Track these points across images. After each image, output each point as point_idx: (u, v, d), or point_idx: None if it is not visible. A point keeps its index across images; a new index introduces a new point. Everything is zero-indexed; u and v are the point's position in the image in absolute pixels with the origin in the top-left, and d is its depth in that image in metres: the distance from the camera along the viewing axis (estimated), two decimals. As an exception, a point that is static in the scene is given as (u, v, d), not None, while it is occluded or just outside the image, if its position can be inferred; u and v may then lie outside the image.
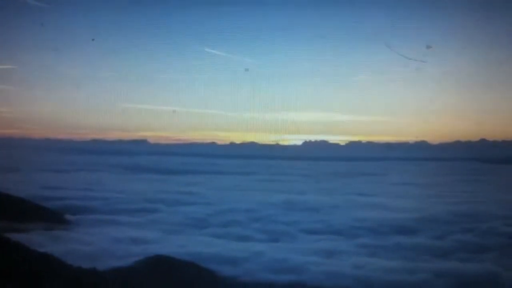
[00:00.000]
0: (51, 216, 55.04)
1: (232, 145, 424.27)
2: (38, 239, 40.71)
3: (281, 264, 38.73)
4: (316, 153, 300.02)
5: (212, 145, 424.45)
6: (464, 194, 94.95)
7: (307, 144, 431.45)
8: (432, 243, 51.07)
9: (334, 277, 34.73)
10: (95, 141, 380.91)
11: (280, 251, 44.77)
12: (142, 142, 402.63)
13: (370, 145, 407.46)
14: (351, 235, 53.65)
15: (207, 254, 41.70)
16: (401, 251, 45.66)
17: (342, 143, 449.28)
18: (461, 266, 40.40)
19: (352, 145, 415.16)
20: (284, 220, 63.45)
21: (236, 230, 54.65)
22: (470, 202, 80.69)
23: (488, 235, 54.52)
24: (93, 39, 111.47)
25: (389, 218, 64.98)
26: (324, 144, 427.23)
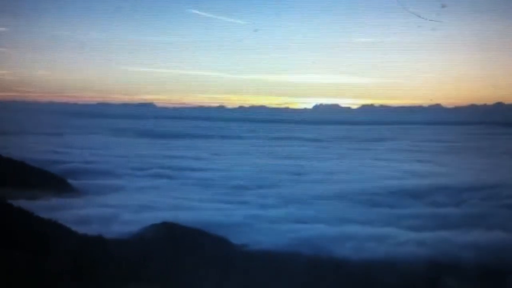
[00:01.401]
0: (57, 182, 53.71)
1: (241, 108, 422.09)
2: (45, 205, 39.58)
3: (293, 234, 36.67)
4: (328, 117, 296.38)
5: (221, 108, 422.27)
6: (481, 160, 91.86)
7: (318, 107, 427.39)
8: (450, 211, 48.59)
9: (351, 250, 32.45)
10: (100, 105, 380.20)
11: (292, 219, 42.82)
12: (148, 106, 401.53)
13: (383, 108, 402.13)
14: (366, 202, 51.38)
15: (215, 221, 40.00)
16: (419, 219, 43.13)
17: (354, 107, 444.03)
18: (481, 236, 37.82)
19: (365, 108, 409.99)
20: (295, 186, 61.74)
21: (246, 197, 52.73)
22: (488, 170, 77.46)
23: (507, 203, 51.76)
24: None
25: (404, 184, 62.66)
26: (335, 107, 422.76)
